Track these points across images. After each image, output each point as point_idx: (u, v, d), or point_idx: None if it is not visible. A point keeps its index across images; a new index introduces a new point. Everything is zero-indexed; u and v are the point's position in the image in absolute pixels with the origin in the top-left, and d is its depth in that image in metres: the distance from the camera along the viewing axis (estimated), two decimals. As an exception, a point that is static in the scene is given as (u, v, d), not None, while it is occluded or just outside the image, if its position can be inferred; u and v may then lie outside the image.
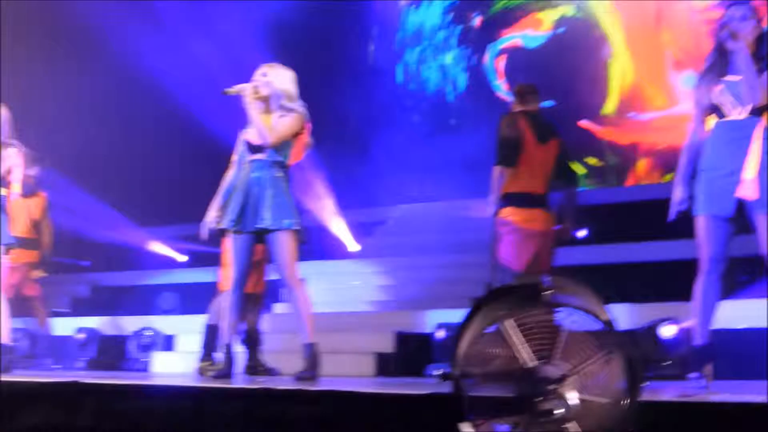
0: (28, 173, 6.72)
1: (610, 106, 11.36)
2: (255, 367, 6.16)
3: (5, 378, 4.65)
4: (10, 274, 6.93)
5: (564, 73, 11.22)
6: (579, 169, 10.68)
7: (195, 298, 8.95)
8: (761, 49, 4.09)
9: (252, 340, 6.28)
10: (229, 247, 5.07)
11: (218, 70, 8.43)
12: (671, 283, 6.19)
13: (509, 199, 5.31)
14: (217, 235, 6.07)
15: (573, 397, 2.40)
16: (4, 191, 5.80)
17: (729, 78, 4.13)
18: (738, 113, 4.10)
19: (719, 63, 4.17)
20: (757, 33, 4.10)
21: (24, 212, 7.42)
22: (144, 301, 10.10)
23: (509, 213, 5.30)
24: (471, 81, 12.33)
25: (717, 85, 4.14)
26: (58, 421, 3.73)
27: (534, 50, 11.97)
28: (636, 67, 11.22)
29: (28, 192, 7.20)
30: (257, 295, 6.30)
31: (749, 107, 4.08)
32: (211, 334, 6.14)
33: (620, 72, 11.24)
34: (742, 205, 4.06)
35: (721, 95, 4.14)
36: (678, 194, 4.28)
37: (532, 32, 12.04)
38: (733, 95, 4.10)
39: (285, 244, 4.90)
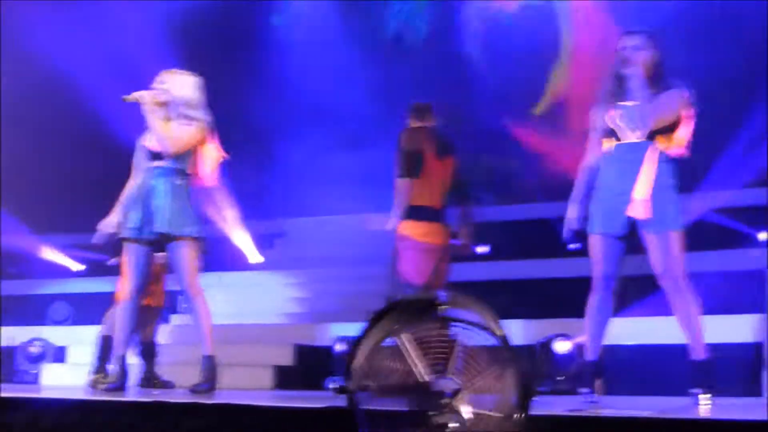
0: None
1: (538, 108, 11.41)
2: (150, 380, 6.04)
3: None
4: None
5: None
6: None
7: (90, 309, 8.74)
8: (656, 77, 4.23)
9: (148, 353, 6.17)
10: (127, 257, 4.95)
11: (120, 75, 8.25)
12: (565, 299, 6.33)
13: (409, 213, 5.30)
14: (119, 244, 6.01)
15: (467, 411, 2.42)
16: None
17: (625, 103, 4.26)
18: (633, 137, 4.22)
19: (616, 89, 4.29)
20: (652, 61, 4.24)
21: None
22: (35, 312, 9.77)
23: (409, 227, 5.29)
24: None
25: (614, 110, 4.26)
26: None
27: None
28: (571, 77, 11.32)
29: None
30: (155, 308, 6.19)
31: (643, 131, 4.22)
32: (105, 346, 6.00)
33: (559, 76, 11.30)
34: (635, 226, 4.19)
35: (618, 120, 4.25)
36: (571, 213, 4.39)
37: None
38: (629, 120, 4.23)
39: (185, 252, 4.84)
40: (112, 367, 4.99)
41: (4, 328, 8.66)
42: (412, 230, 5.27)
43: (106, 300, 6.61)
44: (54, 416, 3.49)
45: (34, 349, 8.02)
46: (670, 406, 3.96)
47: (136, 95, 4.82)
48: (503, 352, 2.49)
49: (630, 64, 4.18)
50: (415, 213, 5.29)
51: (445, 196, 5.43)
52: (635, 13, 9.40)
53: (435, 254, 5.29)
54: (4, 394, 3.82)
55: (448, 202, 5.47)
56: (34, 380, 7.72)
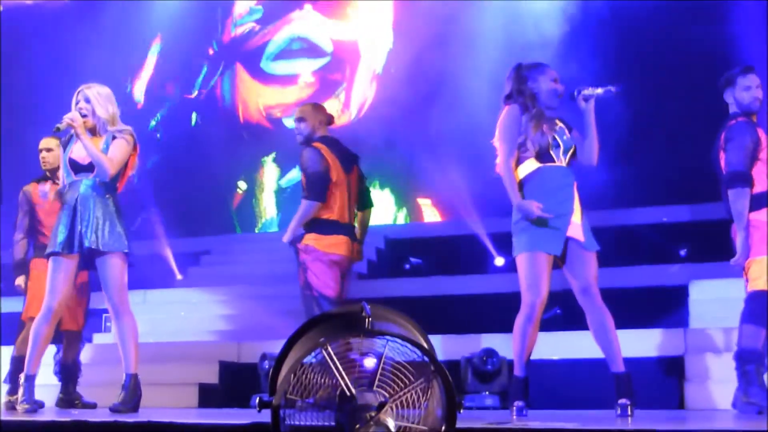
0: None
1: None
2: (72, 401, 5.89)
3: None
4: None
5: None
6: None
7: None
8: None
9: (70, 374, 6.01)
10: (49, 271, 4.80)
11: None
12: (494, 315, 6.39)
13: (312, 227, 5.14)
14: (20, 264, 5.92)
15: (393, 425, 2.41)
16: None
17: (558, 125, 4.36)
18: (561, 160, 4.32)
19: (539, 113, 4.36)
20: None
21: None
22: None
23: (312, 239, 5.13)
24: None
25: (549, 131, 4.32)
26: None
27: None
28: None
29: None
30: (77, 332, 6.05)
31: (569, 155, 4.33)
32: (18, 366, 5.86)
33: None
34: (565, 246, 4.27)
35: (555, 141, 4.32)
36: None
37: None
38: (563, 143, 4.32)
39: (114, 267, 4.76)
40: (20, 389, 4.83)
41: None
42: (316, 242, 5.12)
43: (15, 320, 6.43)
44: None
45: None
46: (594, 418, 4.01)
47: (67, 121, 4.71)
48: (429, 366, 2.49)
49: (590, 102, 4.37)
50: (319, 227, 5.13)
51: (352, 208, 5.29)
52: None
53: (340, 265, 5.15)
54: None
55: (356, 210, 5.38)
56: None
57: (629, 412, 4.05)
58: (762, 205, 4.40)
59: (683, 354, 6.09)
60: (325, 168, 5.10)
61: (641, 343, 5.93)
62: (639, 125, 8.97)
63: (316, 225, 5.12)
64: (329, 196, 5.11)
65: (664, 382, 5.99)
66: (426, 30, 11.59)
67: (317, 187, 5.08)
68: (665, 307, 7.00)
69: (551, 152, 4.30)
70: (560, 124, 4.38)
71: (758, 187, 4.44)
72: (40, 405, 4.86)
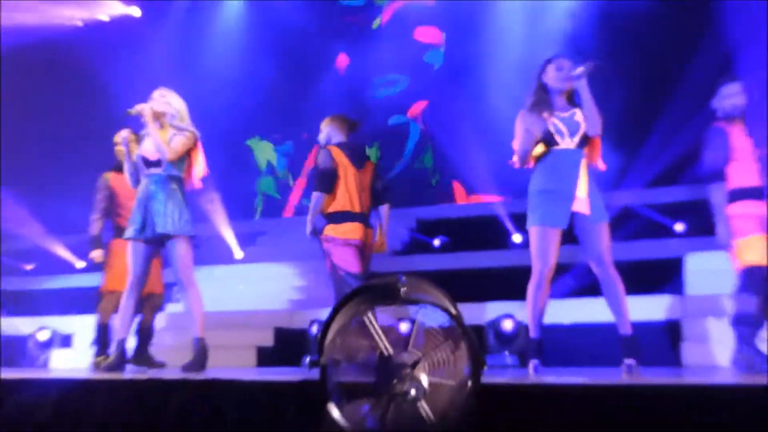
0: None
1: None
2: (145, 361, 5.96)
3: None
4: None
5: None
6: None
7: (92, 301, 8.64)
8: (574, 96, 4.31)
9: (145, 336, 6.09)
10: (129, 253, 4.88)
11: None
12: (513, 285, 6.35)
13: (329, 218, 5.24)
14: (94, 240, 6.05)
15: (424, 380, 2.41)
16: None
17: (560, 114, 4.28)
18: (568, 143, 4.26)
19: (545, 100, 4.31)
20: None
21: None
22: (42, 304, 9.61)
23: (330, 229, 5.22)
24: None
25: (551, 118, 4.27)
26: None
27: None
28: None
29: None
30: (156, 296, 6.13)
31: (578, 137, 4.25)
32: (103, 332, 5.94)
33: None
34: (572, 219, 4.22)
35: (555, 127, 4.27)
36: None
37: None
38: (566, 128, 4.26)
39: (181, 248, 4.80)
40: (113, 349, 4.93)
41: (15, 319, 8.54)
42: (333, 231, 5.22)
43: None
44: (62, 392, 3.43)
45: (42, 337, 7.88)
46: (602, 374, 3.98)
47: (138, 108, 4.80)
48: (457, 330, 2.48)
49: (575, 79, 4.24)
50: (333, 218, 5.24)
51: (366, 199, 5.34)
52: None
53: (355, 247, 5.23)
54: (15, 375, 3.75)
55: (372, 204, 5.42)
56: (44, 365, 7.59)
57: (634, 371, 4.01)
58: (738, 198, 4.51)
59: (680, 318, 6.04)
60: (333, 166, 5.21)
61: (644, 308, 5.87)
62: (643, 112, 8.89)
63: (332, 217, 5.22)
64: (337, 189, 5.21)
65: (665, 342, 5.94)
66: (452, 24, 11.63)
67: (324, 180, 5.21)
68: (664, 277, 6.93)
69: (555, 137, 4.24)
70: (564, 114, 4.31)
71: (734, 183, 4.54)
72: (126, 363, 4.94)
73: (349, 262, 5.23)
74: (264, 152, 12.62)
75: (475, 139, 10.11)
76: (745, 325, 4.44)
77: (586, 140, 4.27)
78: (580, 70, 4.22)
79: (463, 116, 10.47)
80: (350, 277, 5.19)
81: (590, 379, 3.06)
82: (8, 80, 11.14)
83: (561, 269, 4.48)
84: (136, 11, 12.91)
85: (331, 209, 5.24)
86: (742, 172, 4.58)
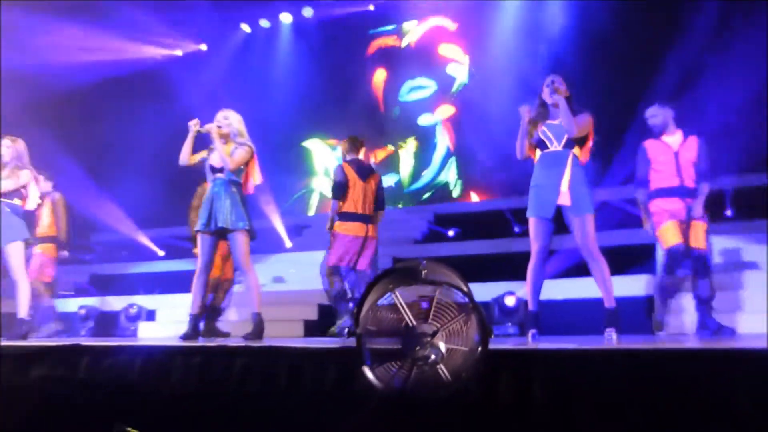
0: (41, 188, 6.44)
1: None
2: (213, 332, 6.01)
3: (23, 343, 4.44)
4: (33, 263, 6.67)
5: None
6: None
7: (172, 282, 8.74)
8: (570, 103, 4.25)
9: (215, 313, 6.14)
10: (198, 243, 4.93)
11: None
12: (514, 268, 6.32)
13: (339, 217, 5.76)
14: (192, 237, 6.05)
15: (442, 347, 2.41)
16: (19, 202, 5.58)
17: (549, 122, 4.27)
18: (555, 146, 4.23)
19: (542, 110, 4.31)
20: (566, 92, 4.26)
21: (42, 216, 7.05)
22: (131, 285, 9.73)
23: (337, 225, 5.79)
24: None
25: (543, 125, 4.27)
26: (61, 374, 3.56)
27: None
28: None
29: (42, 201, 6.87)
30: (227, 281, 6.19)
31: (563, 141, 4.22)
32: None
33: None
34: (560, 210, 4.19)
35: (545, 133, 4.26)
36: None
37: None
38: (553, 134, 4.24)
39: (240, 240, 4.84)
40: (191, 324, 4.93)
41: (110, 297, 8.65)
42: (339, 227, 5.78)
43: (180, 276, 6.55)
44: (144, 357, 3.47)
45: (132, 311, 7.98)
46: (589, 341, 3.94)
47: (207, 127, 4.85)
48: (468, 305, 2.47)
49: (560, 92, 4.21)
50: (342, 217, 5.78)
51: (370, 204, 5.87)
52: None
53: (356, 242, 5.77)
54: (108, 343, 3.80)
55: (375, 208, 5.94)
56: (133, 334, 7.69)
57: (614, 337, 3.98)
58: (656, 197, 4.94)
59: (653, 293, 5.97)
60: (345, 179, 5.78)
61: (624, 285, 5.80)
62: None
63: (341, 215, 5.78)
64: (348, 197, 5.76)
65: (641, 314, 5.86)
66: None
67: (338, 191, 5.78)
68: (639, 259, 6.84)
69: (546, 142, 4.25)
70: (553, 122, 4.29)
71: (653, 185, 4.96)
72: (198, 334, 4.95)
73: (339, 257, 5.75)
74: (320, 155, 12.60)
75: (489, 143, 10.07)
76: (663, 292, 4.87)
77: (574, 143, 4.23)
78: (553, 97, 4.25)
79: (480, 123, 10.39)
80: (334, 269, 5.78)
81: (579, 345, 3.04)
82: (109, 102, 11.35)
83: (555, 253, 4.46)
84: (203, 47, 13.03)
85: (341, 210, 5.78)
86: (659, 176, 4.94)
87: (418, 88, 12.01)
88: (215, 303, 6.13)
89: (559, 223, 4.26)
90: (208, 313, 6.04)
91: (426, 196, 11.57)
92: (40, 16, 10.02)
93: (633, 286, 6.09)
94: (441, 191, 11.49)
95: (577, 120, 4.19)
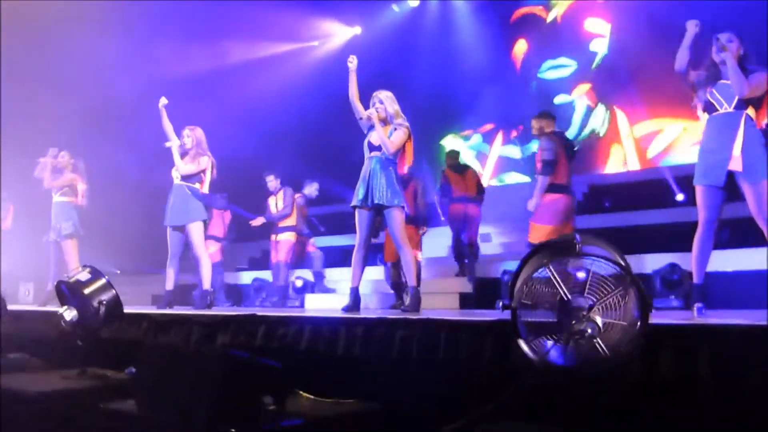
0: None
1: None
2: (400, 305, 6.20)
3: (209, 312, 4.86)
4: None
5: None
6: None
7: (333, 256, 9.10)
8: (744, 62, 3.93)
9: (396, 286, 6.41)
10: (356, 218, 4.99)
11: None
12: (677, 238, 5.98)
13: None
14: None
15: (599, 321, 2.35)
16: (198, 185, 6.09)
17: (720, 82, 3.99)
18: (726, 108, 3.95)
19: (712, 71, 4.03)
20: (738, 51, 3.95)
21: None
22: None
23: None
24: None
25: (712, 87, 4.00)
26: (241, 342, 3.87)
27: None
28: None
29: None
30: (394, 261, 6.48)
31: (734, 102, 3.92)
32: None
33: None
34: (732, 178, 3.90)
35: (714, 95, 3.99)
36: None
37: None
38: (723, 95, 3.96)
39: (395, 216, 4.89)
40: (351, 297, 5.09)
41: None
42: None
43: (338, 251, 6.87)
44: (310, 327, 3.68)
45: (298, 284, 8.45)
46: (762, 316, 3.66)
47: (368, 112, 4.95)
48: (626, 278, 2.39)
49: (727, 49, 3.91)
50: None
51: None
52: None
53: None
54: (280, 314, 4.07)
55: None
56: (301, 305, 8.13)
57: None
58: (548, 191, 5.42)
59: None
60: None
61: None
62: None
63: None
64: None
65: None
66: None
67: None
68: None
69: (714, 104, 3.98)
70: (725, 82, 3.98)
71: (552, 180, 5.44)
72: (359, 306, 5.06)
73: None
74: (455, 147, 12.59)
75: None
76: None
77: (747, 104, 3.91)
78: (720, 48, 3.90)
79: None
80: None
81: (751, 321, 2.83)
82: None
83: (724, 223, 4.15)
84: (357, 30, 13.34)
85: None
86: (557, 173, 5.42)
87: (558, 66, 11.65)
88: (394, 279, 6.40)
89: (730, 190, 3.96)
90: (394, 287, 6.36)
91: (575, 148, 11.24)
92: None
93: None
94: (585, 142, 11.09)
95: (749, 79, 3.86)
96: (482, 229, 9.04)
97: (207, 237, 6.94)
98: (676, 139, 10.35)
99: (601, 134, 11.18)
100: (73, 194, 7.16)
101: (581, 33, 11.52)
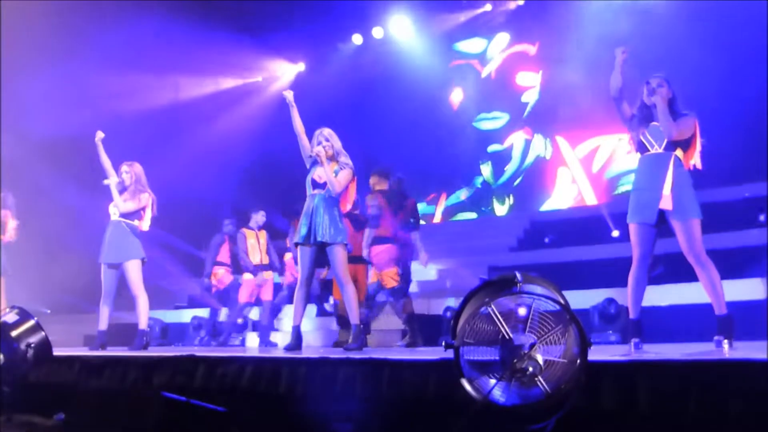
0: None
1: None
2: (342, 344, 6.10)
3: (144, 353, 4.69)
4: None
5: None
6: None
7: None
8: (673, 105, 4.07)
9: (342, 320, 6.32)
10: (298, 255, 4.95)
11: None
12: (613, 274, 6.12)
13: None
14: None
15: (540, 359, 2.36)
16: (137, 222, 5.90)
17: (652, 124, 4.13)
18: (656, 149, 4.08)
19: (644, 113, 4.16)
20: (668, 95, 4.09)
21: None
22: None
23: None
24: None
25: (644, 128, 4.13)
26: (180, 383, 3.73)
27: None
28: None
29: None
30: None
31: (664, 144, 4.06)
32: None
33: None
34: (663, 215, 4.02)
35: (645, 136, 4.12)
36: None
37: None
38: (654, 137, 4.09)
39: (338, 254, 4.87)
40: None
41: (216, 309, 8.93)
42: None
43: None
44: (251, 367, 3.57)
45: (239, 322, 8.20)
46: (697, 351, 3.75)
47: (315, 151, 4.92)
48: (566, 315, 2.41)
49: (657, 94, 4.06)
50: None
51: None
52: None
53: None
54: (219, 354, 3.95)
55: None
56: (242, 343, 7.93)
57: (726, 346, 3.76)
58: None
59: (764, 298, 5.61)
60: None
61: (733, 290, 5.48)
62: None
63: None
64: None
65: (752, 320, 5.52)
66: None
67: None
68: (749, 262, 6.45)
69: (646, 145, 4.11)
70: (654, 124, 4.13)
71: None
72: (301, 344, 5.00)
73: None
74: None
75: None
76: None
77: (676, 145, 4.05)
78: (651, 92, 4.07)
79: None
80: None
81: (686, 355, 2.90)
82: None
83: (658, 259, 4.26)
84: (301, 67, 13.42)
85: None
86: (382, 226, 6.04)
87: (491, 119, 12.07)
88: (340, 312, 6.35)
89: (662, 228, 4.08)
90: (339, 321, 6.38)
91: (517, 182, 11.53)
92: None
93: (744, 290, 5.75)
94: (531, 169, 11.34)
95: (677, 123, 4.02)
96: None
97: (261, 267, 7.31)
98: (614, 151, 10.73)
99: (547, 157, 11.47)
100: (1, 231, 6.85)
101: (513, 87, 11.94)
